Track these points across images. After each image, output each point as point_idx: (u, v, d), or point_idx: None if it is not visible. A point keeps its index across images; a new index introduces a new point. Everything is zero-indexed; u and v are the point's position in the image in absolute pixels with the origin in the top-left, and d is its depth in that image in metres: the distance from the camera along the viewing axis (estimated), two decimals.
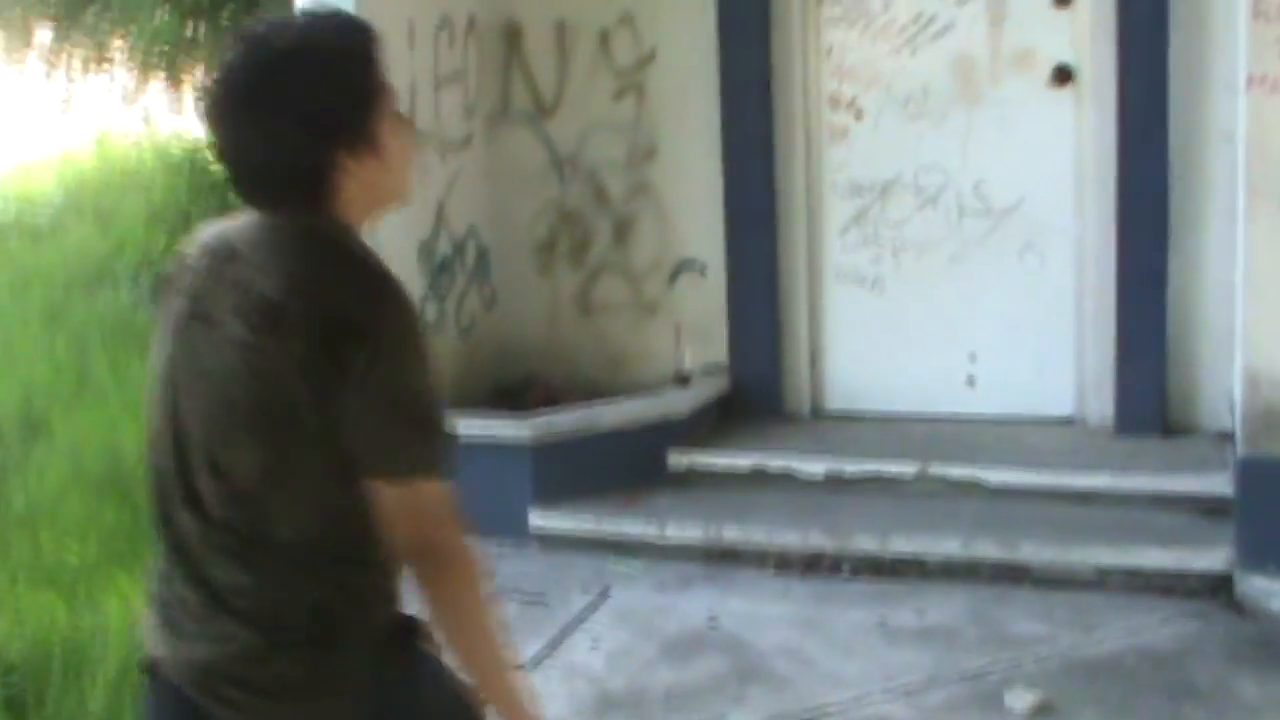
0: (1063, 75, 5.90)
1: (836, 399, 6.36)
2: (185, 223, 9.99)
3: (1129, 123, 5.69)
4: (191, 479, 2.10)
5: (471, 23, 6.41)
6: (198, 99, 1.85)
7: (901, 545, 5.20)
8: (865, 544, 5.24)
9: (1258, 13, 4.57)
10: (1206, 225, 5.63)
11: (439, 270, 6.20)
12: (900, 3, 6.06)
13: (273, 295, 2.03)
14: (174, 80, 10.55)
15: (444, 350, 6.22)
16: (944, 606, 4.96)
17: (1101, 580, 5.04)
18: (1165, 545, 5.00)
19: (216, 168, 7.44)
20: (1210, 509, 5.15)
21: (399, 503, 2.06)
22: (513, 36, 6.55)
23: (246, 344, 2.03)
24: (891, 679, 4.34)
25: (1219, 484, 5.04)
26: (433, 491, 2.09)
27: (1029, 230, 6.03)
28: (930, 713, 4.18)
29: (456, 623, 2.15)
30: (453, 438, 2.12)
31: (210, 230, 2.21)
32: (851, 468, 5.66)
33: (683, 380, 6.28)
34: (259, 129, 2.04)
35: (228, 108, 2.07)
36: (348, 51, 2.08)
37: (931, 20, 6.05)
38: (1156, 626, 4.71)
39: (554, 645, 4.81)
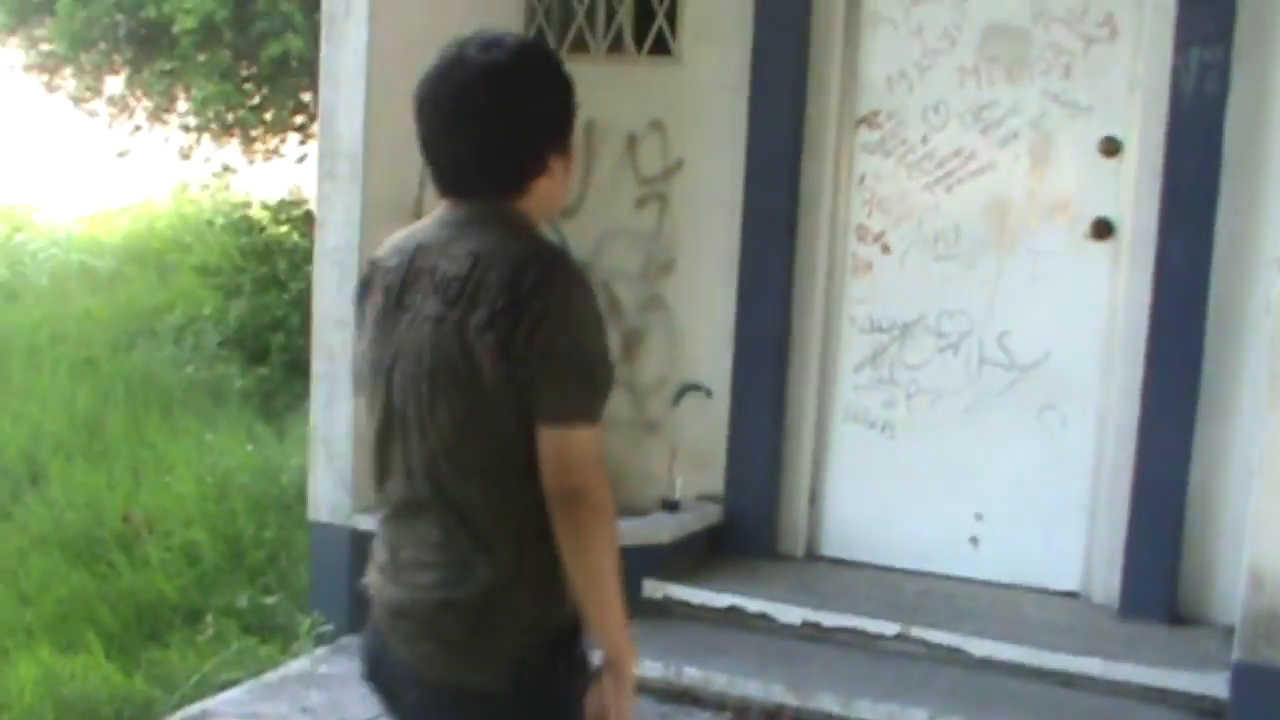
0: (1102, 229, 5.60)
1: (833, 543, 6.04)
2: (235, 282, 9.96)
3: (1166, 288, 5.38)
4: (404, 447, 2.44)
5: None
6: (416, 100, 2.09)
7: (866, 709, 4.88)
8: (828, 703, 4.92)
9: None
10: (1240, 406, 5.28)
11: None
12: (940, 136, 5.80)
13: (458, 272, 2.37)
14: (246, 140, 10.56)
15: None
16: None
17: None
18: None
19: (269, 230, 7.30)
20: (1205, 711, 4.79)
21: (553, 446, 2.32)
22: None
23: (438, 317, 2.38)
24: None
25: (1219, 685, 4.69)
26: (584, 438, 2.35)
27: (1051, 389, 5.72)
28: None
29: (583, 561, 2.36)
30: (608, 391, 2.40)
31: (398, 235, 2.59)
32: (830, 619, 5.35)
33: (670, 507, 6.00)
34: (485, 129, 2.40)
35: (451, 110, 2.41)
36: (559, 71, 2.48)
37: (971, 157, 5.79)
38: None
39: None
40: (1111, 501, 5.56)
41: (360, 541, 5.46)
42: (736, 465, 6.06)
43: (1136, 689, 4.99)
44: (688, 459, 6.03)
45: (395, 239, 2.59)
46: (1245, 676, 4.43)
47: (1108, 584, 5.59)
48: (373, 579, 2.57)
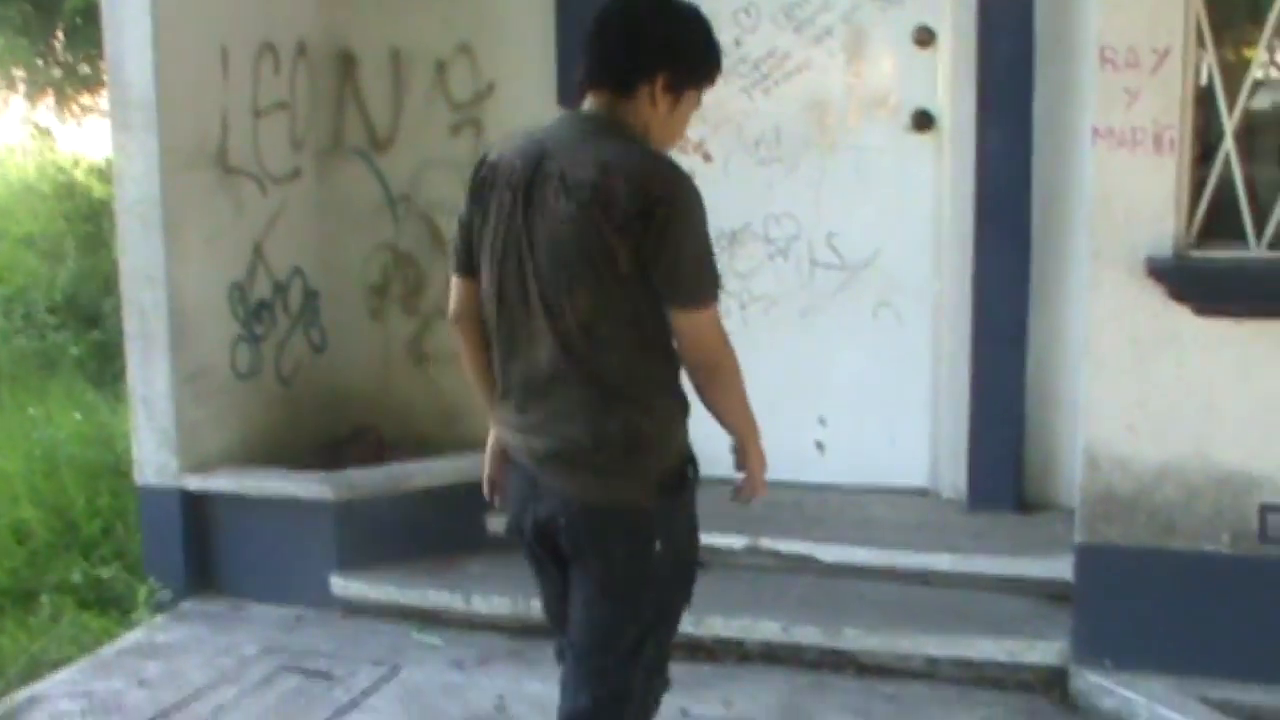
0: (923, 121, 5.51)
1: None
2: (60, 247, 9.61)
3: (989, 175, 5.32)
4: (535, 323, 2.89)
5: (301, 49, 5.98)
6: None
7: (719, 626, 4.79)
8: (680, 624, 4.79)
9: (1104, 60, 4.20)
10: (1069, 289, 5.22)
11: (255, 312, 5.76)
12: (753, 38, 5.66)
13: (589, 178, 2.80)
14: (61, 98, 10.19)
15: (262, 402, 5.80)
16: (755, 696, 4.55)
17: (930, 671, 4.66)
18: (999, 635, 4.61)
19: (94, 192, 6.88)
20: (1055, 595, 4.77)
21: (688, 325, 2.87)
22: (346, 65, 6.11)
23: (573, 216, 2.79)
24: None
25: (1066, 569, 4.62)
26: (711, 317, 2.89)
27: (884, 286, 5.64)
28: None
29: (727, 404, 3.03)
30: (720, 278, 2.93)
31: (516, 138, 3.04)
32: None
33: None
34: (635, 31, 2.95)
35: (625, 13, 2.97)
36: (701, 27, 3.00)
37: (786, 57, 5.66)
38: None
39: None
40: (952, 395, 5.51)
41: (191, 503, 5.31)
42: None
43: (988, 580, 4.96)
44: None
45: (514, 143, 3.02)
46: (1087, 557, 4.39)
47: (955, 478, 5.56)
48: (511, 440, 3.08)
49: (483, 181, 3.02)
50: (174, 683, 4.74)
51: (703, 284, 2.87)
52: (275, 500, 5.37)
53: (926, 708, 4.43)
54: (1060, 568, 4.68)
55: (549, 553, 3.11)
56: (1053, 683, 4.49)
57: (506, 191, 2.93)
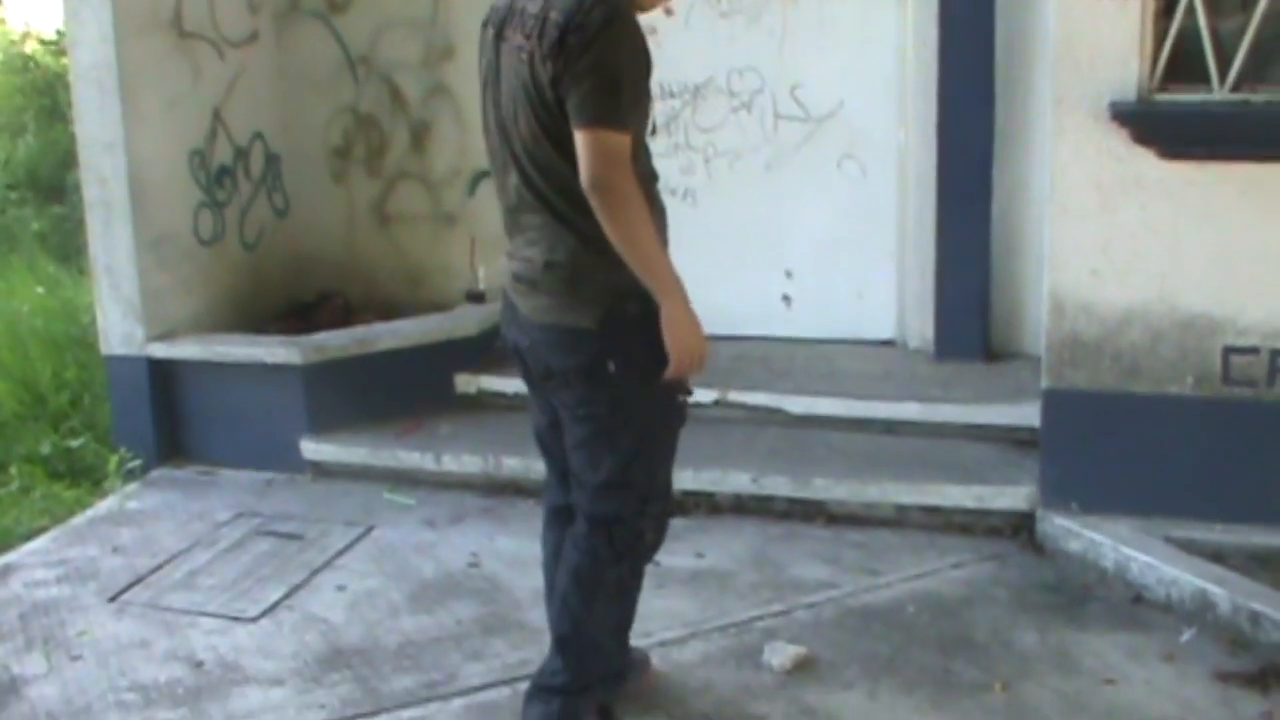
0: None
1: None
2: (18, 121, 9.47)
3: (951, 26, 5.25)
4: (504, 151, 3.08)
5: None
6: None
7: (689, 480, 4.78)
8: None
9: None
10: (1033, 138, 5.20)
11: (217, 178, 5.69)
12: None
13: (535, 11, 2.94)
14: None
15: (226, 268, 5.75)
16: (726, 547, 4.57)
17: (899, 518, 4.69)
18: (967, 481, 4.64)
19: (49, 64, 6.71)
20: (1023, 441, 4.80)
21: (583, 144, 2.87)
22: None
23: (521, 47, 2.95)
24: (649, 631, 3.91)
25: (1032, 415, 4.63)
26: (609, 138, 2.87)
27: (849, 138, 5.60)
28: (683, 668, 3.78)
29: (618, 236, 2.91)
30: (640, 108, 2.99)
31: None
32: None
33: (476, 298, 5.82)
34: None
35: None
36: None
37: None
38: (947, 570, 4.36)
39: (298, 588, 4.39)
40: (918, 246, 5.50)
41: (159, 370, 5.28)
42: None
43: (956, 428, 4.98)
44: (489, 248, 5.80)
45: None
46: (1053, 403, 4.40)
47: (921, 328, 5.56)
48: (502, 263, 3.22)
49: (484, 23, 3.17)
50: (147, 548, 4.74)
51: (600, 106, 2.87)
52: (243, 366, 5.34)
53: (896, 554, 4.46)
54: (1027, 414, 4.70)
55: (531, 378, 3.26)
56: (1020, 527, 4.53)
57: (489, 29, 3.13)
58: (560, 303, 3.05)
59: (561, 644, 3.29)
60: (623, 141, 2.89)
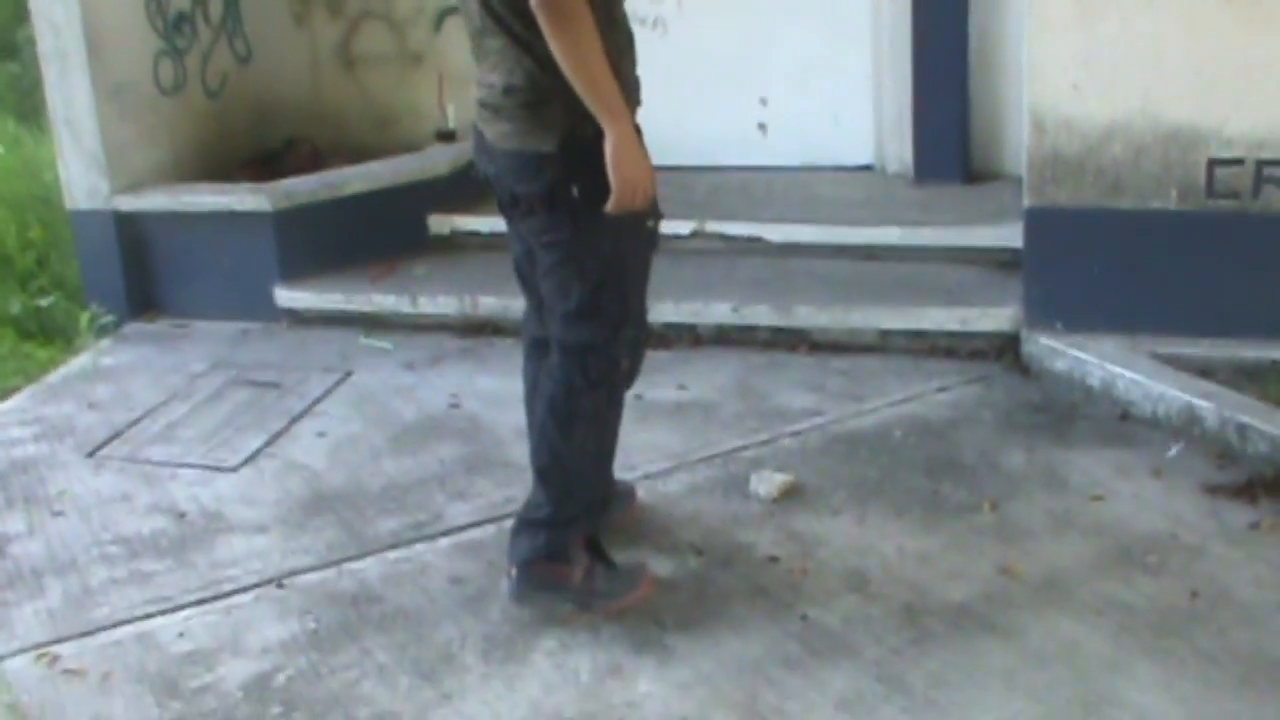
0: None
1: None
2: None
3: None
4: None
5: None
6: None
7: (670, 312, 4.74)
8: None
9: None
10: None
11: (175, 24, 5.54)
12: None
13: None
14: None
15: (189, 114, 5.62)
16: (710, 378, 4.54)
17: (883, 344, 4.65)
18: (950, 305, 4.60)
19: None
20: (1005, 263, 4.75)
21: None
22: None
23: None
24: (634, 464, 3.89)
25: (1014, 235, 4.58)
26: None
27: None
28: (669, 499, 3.77)
29: (562, 57, 2.84)
30: None
31: None
32: None
33: (446, 137, 5.73)
34: None
35: None
36: None
37: None
38: (932, 394, 4.33)
39: (278, 435, 4.35)
40: (895, 68, 5.41)
41: (126, 224, 5.19)
42: None
43: (938, 251, 4.94)
44: (458, 86, 5.69)
45: None
46: (1035, 221, 4.34)
47: (900, 153, 5.50)
48: (472, 91, 3.15)
49: None
50: (124, 403, 4.69)
51: None
52: (212, 215, 5.26)
53: (880, 380, 4.44)
54: (1009, 235, 4.65)
55: (502, 206, 3.23)
56: (1005, 348, 4.50)
57: None
58: (521, 127, 3.00)
59: (543, 475, 3.26)
60: None
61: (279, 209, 5.17)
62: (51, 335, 5.40)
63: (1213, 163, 4.13)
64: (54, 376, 4.99)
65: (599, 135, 2.92)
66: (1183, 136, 4.12)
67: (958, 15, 5.18)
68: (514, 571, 3.24)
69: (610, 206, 2.96)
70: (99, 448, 4.35)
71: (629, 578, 3.29)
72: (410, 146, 5.80)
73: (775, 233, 5.07)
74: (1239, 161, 4.10)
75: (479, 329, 4.99)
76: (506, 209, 3.22)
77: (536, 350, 3.39)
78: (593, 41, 2.84)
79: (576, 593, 3.22)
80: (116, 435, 4.44)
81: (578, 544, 3.25)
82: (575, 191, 3.00)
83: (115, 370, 5.00)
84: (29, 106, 8.16)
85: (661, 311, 4.72)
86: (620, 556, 3.33)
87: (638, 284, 3.24)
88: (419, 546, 3.61)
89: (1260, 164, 4.09)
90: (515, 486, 3.76)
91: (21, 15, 7.93)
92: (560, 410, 3.19)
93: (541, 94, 2.95)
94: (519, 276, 3.40)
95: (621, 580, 3.28)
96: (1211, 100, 4.08)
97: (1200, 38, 4.04)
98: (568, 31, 2.82)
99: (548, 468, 3.23)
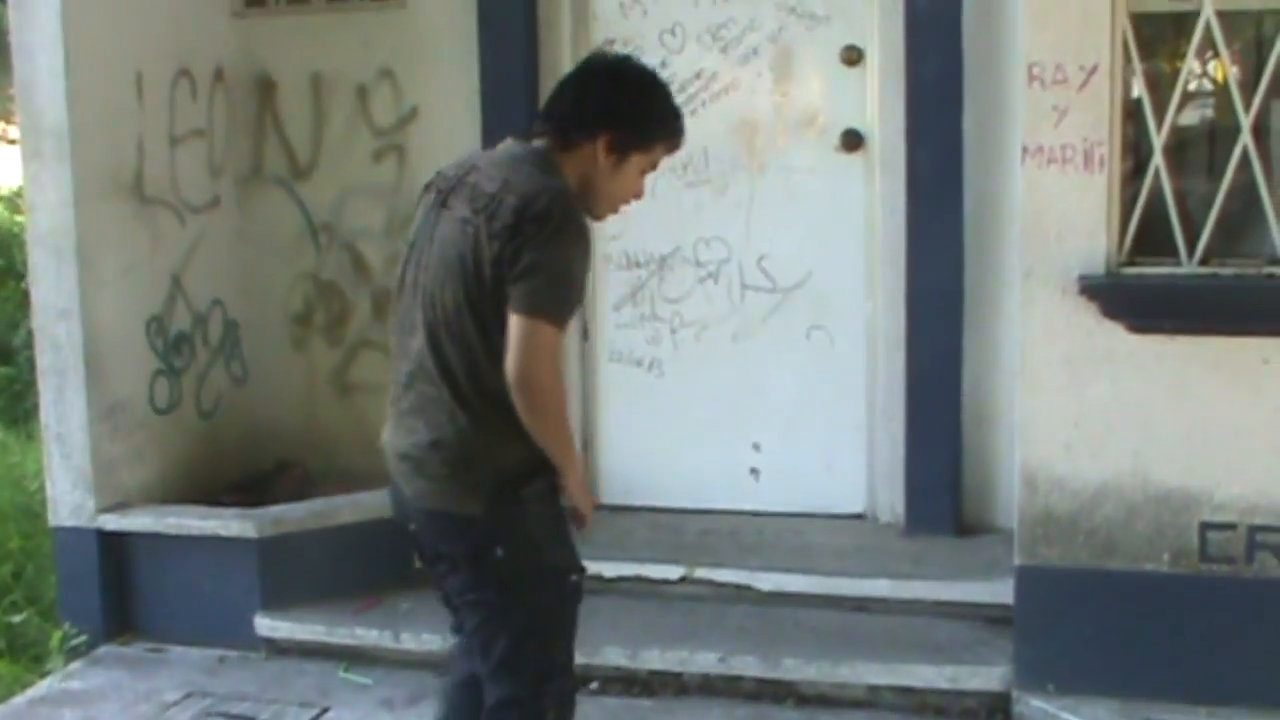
0: (852, 140, 5.54)
1: (610, 490, 5.87)
2: None
3: (919, 195, 5.34)
4: (416, 314, 3.11)
5: (218, 75, 5.95)
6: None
7: (655, 659, 4.76)
8: (615, 657, 4.79)
9: (1032, 77, 4.23)
10: (1004, 307, 5.24)
11: (175, 346, 5.69)
12: (679, 59, 5.66)
13: (489, 190, 3.04)
14: None
15: (181, 437, 5.73)
16: None
17: (872, 699, 4.65)
18: (940, 661, 4.61)
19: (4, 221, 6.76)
20: (996, 619, 4.78)
21: (520, 334, 2.93)
22: (265, 91, 6.08)
23: (465, 219, 3.04)
24: None
25: (1005, 592, 4.62)
26: (546, 333, 2.95)
27: (817, 309, 5.65)
28: None
29: (536, 430, 3.01)
30: (577, 306, 3.12)
31: (466, 154, 3.38)
32: (612, 569, 5.18)
33: None
34: (583, 93, 3.19)
35: (581, 76, 3.29)
36: (654, 96, 3.26)
37: (713, 78, 5.68)
38: None
39: None
40: (888, 417, 5.53)
41: (108, 543, 5.23)
42: None
43: (927, 605, 4.97)
44: None
45: (461, 157, 3.35)
46: (1026, 579, 4.40)
47: (892, 502, 5.57)
48: (385, 435, 3.25)
49: (426, 186, 3.34)
50: None
51: (547, 299, 2.98)
52: (196, 538, 5.30)
53: None
54: (1000, 591, 4.69)
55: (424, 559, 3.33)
56: (995, 708, 4.50)
57: (432, 193, 3.25)
58: (444, 488, 3.08)
59: None
60: (557, 337, 2.99)
61: (265, 536, 5.22)
62: (20, 653, 5.38)
63: (1205, 526, 4.22)
64: (20, 699, 4.95)
65: (524, 495, 3.08)
66: (1174, 499, 4.21)
67: (951, 370, 5.33)
68: None
69: (578, 524, 3.24)
70: None
71: None
72: None
73: (765, 581, 5.11)
74: (1231, 526, 4.19)
75: None
76: (429, 563, 3.30)
77: (461, 689, 3.48)
78: (564, 414, 3.10)
79: None
80: None
81: None
82: (500, 553, 3.08)
83: (85, 695, 4.97)
84: (19, 411, 8.29)
85: (647, 658, 4.77)
86: None
87: (564, 635, 3.28)
88: None
89: (1253, 529, 4.18)
90: None
91: (20, 320, 8.16)
92: None
93: (471, 453, 3.04)
94: (449, 608, 3.43)
95: None
96: (1202, 464, 4.19)
97: (1189, 401, 4.18)
98: (547, 409, 3.01)
99: None
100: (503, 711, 3.20)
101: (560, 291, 3.01)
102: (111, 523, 5.37)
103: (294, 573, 5.30)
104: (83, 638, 5.34)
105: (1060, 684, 4.36)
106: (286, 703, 4.83)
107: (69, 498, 5.40)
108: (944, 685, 4.56)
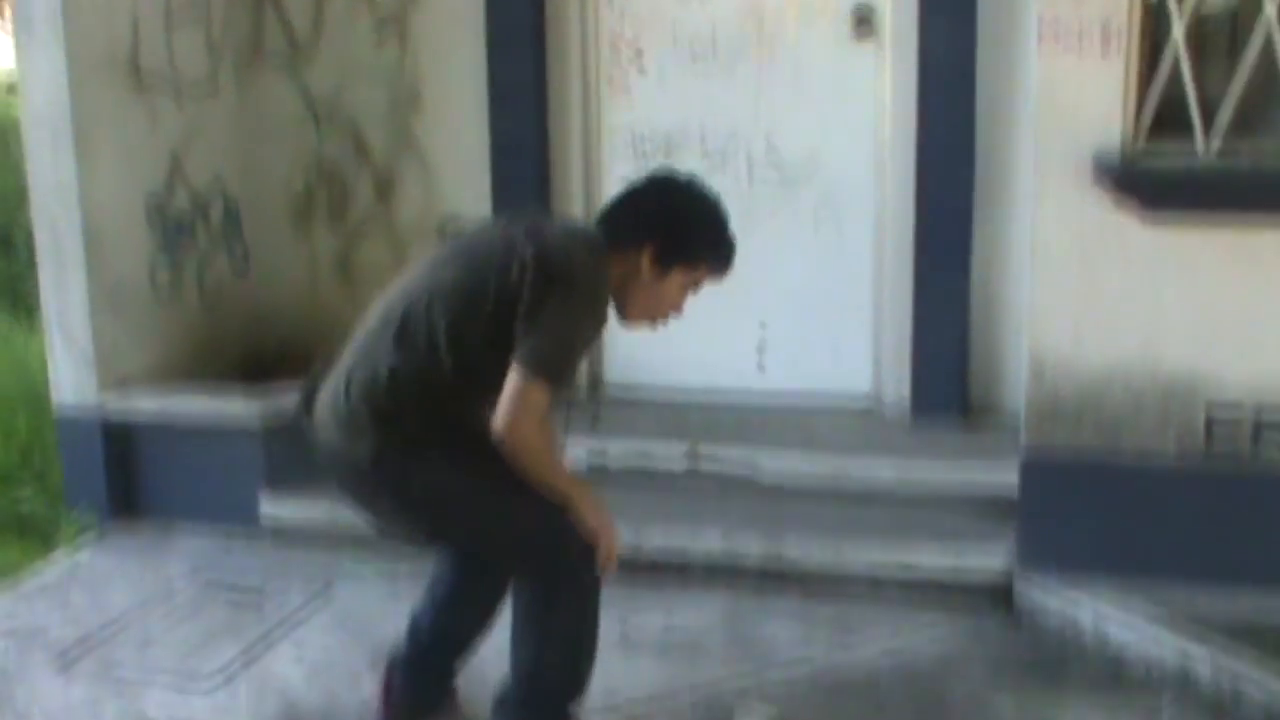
0: (863, 23, 5.52)
1: (617, 373, 5.94)
2: None
3: (932, 79, 5.33)
4: (439, 301, 3.23)
5: None
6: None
7: (658, 541, 4.81)
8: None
9: None
10: (1014, 195, 5.27)
11: (175, 227, 5.71)
12: None
13: (529, 244, 3.18)
14: None
15: (183, 321, 5.76)
16: (697, 611, 4.59)
17: (874, 583, 4.70)
18: (944, 545, 4.68)
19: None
20: (1001, 505, 4.82)
21: (513, 388, 3.09)
22: None
23: (515, 242, 3.18)
24: (615, 696, 3.93)
25: (1012, 476, 4.66)
26: (540, 394, 3.10)
27: (825, 194, 5.67)
28: None
29: (526, 473, 3.18)
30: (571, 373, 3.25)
31: (525, 216, 3.45)
32: (616, 450, 5.24)
33: None
34: (640, 200, 3.40)
35: (643, 184, 3.43)
36: (705, 218, 3.43)
37: None
38: (923, 637, 4.39)
39: (254, 654, 4.38)
40: (895, 303, 5.56)
41: (112, 426, 5.28)
42: None
43: (932, 488, 5.02)
44: None
45: (521, 218, 3.45)
46: (1032, 464, 4.45)
47: (898, 387, 5.61)
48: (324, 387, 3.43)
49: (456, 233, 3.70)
50: (99, 610, 4.73)
51: (552, 361, 3.13)
52: (200, 421, 5.35)
53: (870, 619, 4.49)
54: (1005, 475, 4.73)
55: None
56: (998, 592, 4.56)
57: (462, 236, 3.53)
58: (346, 438, 3.32)
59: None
60: (547, 399, 3.12)
61: (268, 418, 5.26)
62: (29, 536, 5.45)
63: (1212, 412, 4.25)
64: (30, 581, 5.03)
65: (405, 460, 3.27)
66: (1182, 385, 4.25)
67: (960, 255, 5.34)
68: None
69: (606, 567, 3.34)
70: (71, 657, 4.37)
71: None
72: None
73: (770, 465, 5.15)
74: (1238, 412, 4.22)
75: None
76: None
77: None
78: (552, 458, 3.28)
79: None
80: (90, 644, 4.47)
81: None
82: (417, 488, 3.28)
83: (93, 576, 5.05)
84: (20, 299, 8.31)
85: (650, 540, 4.82)
86: None
87: (532, 510, 3.29)
88: None
89: (1259, 415, 4.21)
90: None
91: (18, 208, 8.15)
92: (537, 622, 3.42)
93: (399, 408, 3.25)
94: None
95: None
96: (1211, 350, 4.22)
97: (1200, 287, 4.18)
98: (533, 463, 3.18)
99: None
100: (534, 588, 3.35)
101: (567, 356, 3.17)
102: (115, 404, 5.42)
103: (298, 456, 5.29)
104: (90, 520, 5.41)
105: (1063, 568, 4.43)
106: (292, 583, 4.91)
107: (72, 380, 5.44)
108: (947, 569, 4.62)
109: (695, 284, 3.43)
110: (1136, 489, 4.34)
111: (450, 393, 3.25)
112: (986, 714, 3.87)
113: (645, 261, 3.31)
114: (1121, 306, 4.26)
